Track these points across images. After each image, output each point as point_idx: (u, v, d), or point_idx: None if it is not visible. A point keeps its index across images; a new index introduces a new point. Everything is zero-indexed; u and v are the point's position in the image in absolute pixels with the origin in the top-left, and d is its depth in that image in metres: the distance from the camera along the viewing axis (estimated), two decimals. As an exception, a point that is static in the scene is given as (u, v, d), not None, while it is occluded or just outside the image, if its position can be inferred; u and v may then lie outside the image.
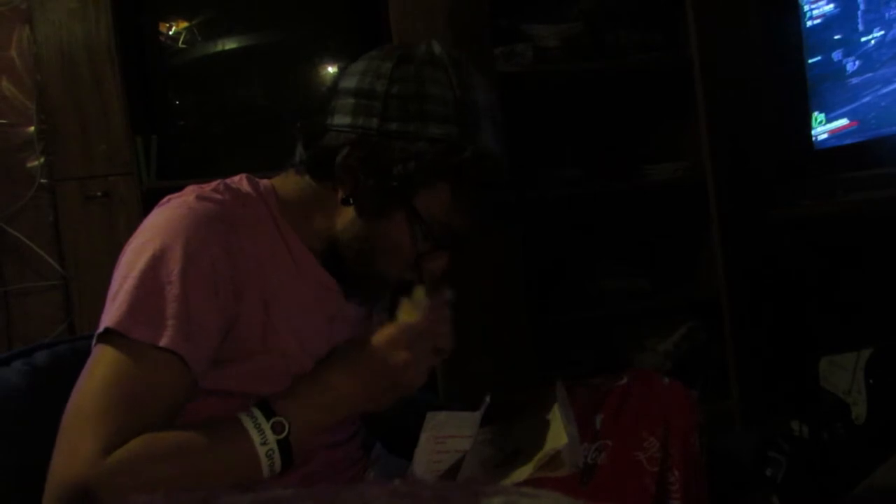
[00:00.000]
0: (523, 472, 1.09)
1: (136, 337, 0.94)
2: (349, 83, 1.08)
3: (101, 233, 2.50)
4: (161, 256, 0.97)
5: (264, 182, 1.14)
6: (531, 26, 2.56)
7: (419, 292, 1.09)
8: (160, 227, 1.01)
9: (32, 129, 2.62)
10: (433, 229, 1.07)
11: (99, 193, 2.51)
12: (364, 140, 1.04)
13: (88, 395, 0.94)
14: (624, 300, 2.68)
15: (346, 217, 1.09)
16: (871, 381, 2.02)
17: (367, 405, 1.06)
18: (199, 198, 1.03)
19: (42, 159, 2.61)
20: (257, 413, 0.97)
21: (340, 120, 1.07)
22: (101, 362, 0.96)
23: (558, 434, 1.10)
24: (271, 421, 0.97)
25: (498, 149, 1.10)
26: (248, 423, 0.96)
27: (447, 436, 1.11)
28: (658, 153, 2.75)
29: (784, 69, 2.37)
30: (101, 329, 0.97)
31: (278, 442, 0.96)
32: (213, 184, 1.09)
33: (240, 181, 1.12)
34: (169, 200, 1.05)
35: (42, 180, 2.61)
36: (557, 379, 1.24)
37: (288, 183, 1.14)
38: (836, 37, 2.19)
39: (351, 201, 1.07)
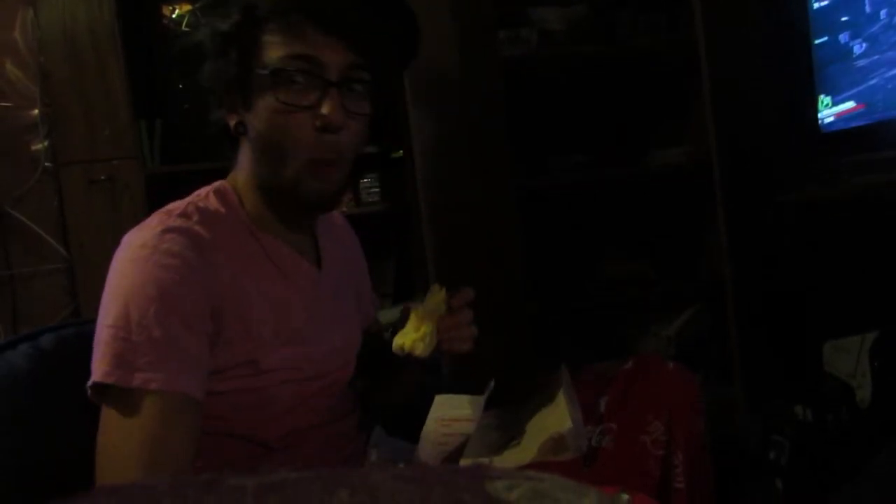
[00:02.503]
0: (526, 456, 1.09)
1: (137, 385, 0.94)
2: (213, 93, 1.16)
3: (105, 216, 2.51)
4: (137, 302, 0.96)
5: (228, 190, 1.14)
6: (536, 10, 2.55)
7: (438, 294, 1.12)
8: (130, 272, 0.99)
9: (36, 112, 2.62)
10: (288, 73, 1.05)
11: (103, 177, 2.52)
12: (210, 68, 1.12)
13: (118, 460, 0.94)
14: (628, 286, 2.68)
15: (252, 145, 1.11)
16: (875, 364, 2.02)
17: None
18: (165, 231, 1.02)
19: (46, 143, 2.61)
20: None
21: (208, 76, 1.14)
22: (114, 420, 0.95)
23: (562, 418, 1.11)
24: None
25: None
26: None
27: (452, 419, 1.12)
28: (663, 138, 2.74)
29: (790, 52, 2.36)
30: (92, 382, 0.96)
31: None
32: (181, 206, 1.08)
33: (207, 197, 1.11)
34: (133, 235, 1.04)
35: (46, 164, 2.62)
36: (562, 364, 1.24)
37: (238, 180, 1.14)
38: (843, 19, 2.18)
39: (237, 130, 1.11)
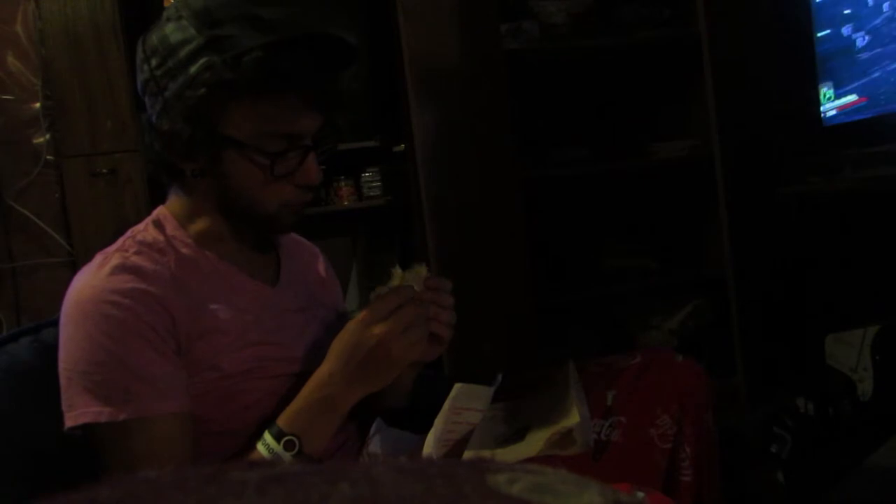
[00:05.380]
0: (532, 449, 1.09)
1: (127, 417, 0.99)
2: (139, 92, 1.11)
3: (107, 209, 2.51)
4: (99, 343, 1.00)
5: (167, 217, 1.14)
6: (538, 3, 2.55)
7: (397, 273, 1.10)
8: (83, 318, 1.02)
9: (38, 105, 2.61)
10: (263, 146, 1.06)
11: (105, 170, 2.52)
12: (159, 123, 1.06)
13: None
14: (630, 279, 2.68)
15: (213, 191, 1.10)
16: (877, 357, 2.02)
17: (359, 388, 1.06)
18: (105, 270, 1.04)
19: (48, 135, 2.61)
20: (269, 439, 1.03)
21: (149, 126, 1.09)
22: (112, 453, 1.01)
23: (570, 413, 1.11)
24: (282, 441, 1.03)
25: (261, 37, 1.03)
26: (264, 451, 1.03)
27: (463, 408, 1.13)
28: (666, 130, 2.74)
29: (793, 45, 2.35)
30: (77, 422, 1.00)
31: (296, 457, 1.02)
32: (119, 242, 1.10)
33: (145, 229, 1.13)
34: (78, 280, 1.06)
35: (48, 157, 2.62)
36: (569, 359, 1.25)
37: (176, 206, 1.15)
38: (846, 11, 2.17)
39: (194, 174, 1.09)
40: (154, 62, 1.06)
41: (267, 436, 1.03)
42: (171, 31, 1.06)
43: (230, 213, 1.12)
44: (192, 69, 1.02)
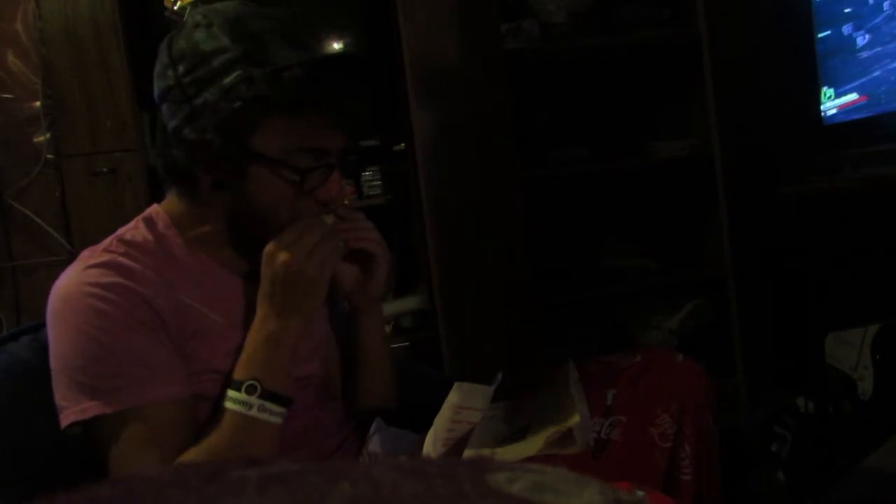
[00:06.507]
0: (532, 448, 1.10)
1: (128, 407, 0.99)
2: (156, 95, 1.09)
3: (107, 208, 2.51)
4: (89, 336, 1.00)
5: (160, 215, 1.13)
6: (538, 2, 2.54)
7: None
8: (70, 313, 1.02)
9: (38, 104, 2.61)
10: (292, 162, 1.05)
11: (105, 169, 2.52)
12: (184, 131, 1.04)
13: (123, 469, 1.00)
14: (630, 278, 2.68)
15: (228, 203, 1.09)
16: (877, 356, 2.02)
17: (293, 316, 1.06)
18: (90, 267, 1.03)
19: (48, 135, 2.61)
20: (232, 394, 1.03)
21: (173, 134, 1.07)
22: (115, 444, 1.00)
23: (570, 412, 1.11)
24: (243, 388, 1.03)
25: (298, 54, 1.03)
26: (232, 405, 1.03)
27: (463, 407, 1.13)
28: (666, 130, 2.74)
29: (793, 44, 2.35)
30: (77, 419, 1.00)
31: (262, 397, 1.03)
32: (106, 242, 1.09)
33: (135, 227, 1.12)
34: (62, 278, 1.05)
35: (48, 156, 2.61)
36: (569, 359, 1.25)
37: (174, 206, 1.14)
38: (846, 10, 2.17)
39: (214, 185, 1.08)
40: (181, 69, 1.04)
41: (230, 392, 1.03)
42: (203, 38, 1.03)
43: (241, 226, 1.10)
44: (227, 80, 1.01)
